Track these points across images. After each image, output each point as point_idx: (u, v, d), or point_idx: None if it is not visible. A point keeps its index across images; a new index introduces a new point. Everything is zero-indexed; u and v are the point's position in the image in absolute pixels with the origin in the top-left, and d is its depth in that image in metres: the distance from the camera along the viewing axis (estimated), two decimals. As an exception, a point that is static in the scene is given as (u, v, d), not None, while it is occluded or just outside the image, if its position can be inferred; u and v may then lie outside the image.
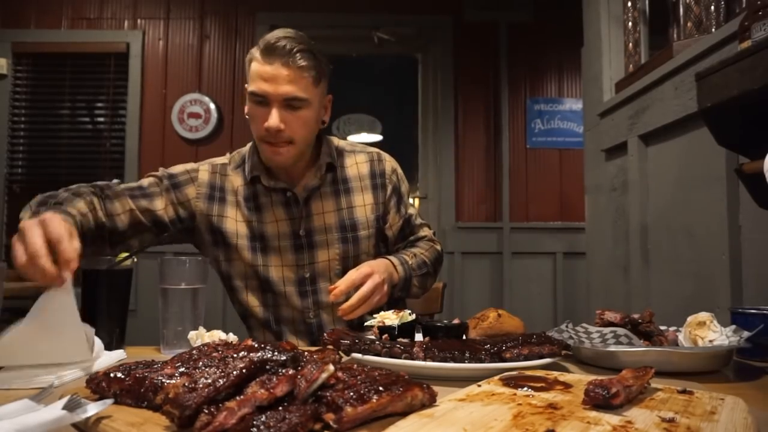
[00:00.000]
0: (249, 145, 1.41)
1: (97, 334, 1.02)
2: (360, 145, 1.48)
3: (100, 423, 0.55)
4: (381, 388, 0.54)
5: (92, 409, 0.55)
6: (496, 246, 3.74)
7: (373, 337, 0.90)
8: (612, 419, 0.52)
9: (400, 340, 0.88)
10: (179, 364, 0.61)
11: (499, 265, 3.77)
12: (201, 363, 0.60)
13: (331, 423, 0.51)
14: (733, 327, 0.91)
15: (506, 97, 3.90)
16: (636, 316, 0.97)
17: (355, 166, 1.42)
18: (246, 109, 1.31)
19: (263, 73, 1.21)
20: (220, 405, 0.50)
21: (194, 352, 0.66)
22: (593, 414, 0.54)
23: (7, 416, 0.54)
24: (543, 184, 3.82)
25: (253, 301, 1.36)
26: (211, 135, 3.83)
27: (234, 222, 1.33)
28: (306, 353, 0.63)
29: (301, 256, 1.34)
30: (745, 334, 0.86)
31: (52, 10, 3.90)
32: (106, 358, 0.89)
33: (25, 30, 3.88)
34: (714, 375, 0.83)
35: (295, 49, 1.21)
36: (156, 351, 1.03)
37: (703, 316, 0.91)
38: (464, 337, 0.94)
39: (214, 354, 0.64)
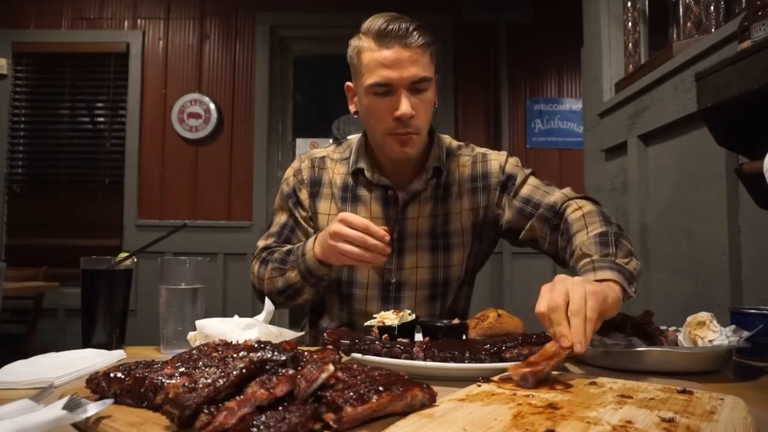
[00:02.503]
0: (357, 138, 1.35)
1: (97, 334, 1.03)
2: (470, 145, 1.36)
3: (100, 423, 0.55)
4: (381, 388, 0.54)
5: (92, 409, 0.55)
6: (496, 246, 3.74)
7: (373, 337, 0.90)
8: (612, 419, 0.52)
9: (400, 340, 0.88)
10: (179, 364, 0.61)
11: (499, 265, 3.77)
12: (201, 363, 0.60)
13: (331, 423, 0.51)
14: (733, 327, 0.91)
15: (506, 97, 3.90)
16: (636, 316, 0.97)
17: (457, 170, 1.30)
18: (357, 106, 1.24)
19: (383, 59, 1.14)
20: (220, 405, 0.50)
21: (194, 352, 0.66)
22: (593, 414, 0.54)
23: (7, 416, 0.54)
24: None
25: (329, 303, 1.32)
26: (211, 135, 3.84)
27: (326, 217, 1.30)
28: (306, 353, 0.63)
29: (390, 259, 1.23)
30: (745, 334, 0.86)
31: (52, 10, 3.90)
32: (106, 358, 0.89)
33: (25, 30, 3.89)
34: (714, 375, 0.83)
35: (411, 28, 1.14)
36: (156, 351, 1.03)
37: (703, 316, 0.91)
38: (464, 337, 0.94)
39: (214, 354, 0.64)
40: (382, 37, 1.14)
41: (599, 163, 2.36)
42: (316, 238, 1.16)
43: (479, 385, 0.66)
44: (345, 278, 1.28)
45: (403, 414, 0.55)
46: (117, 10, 3.93)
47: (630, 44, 2.15)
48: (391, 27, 1.14)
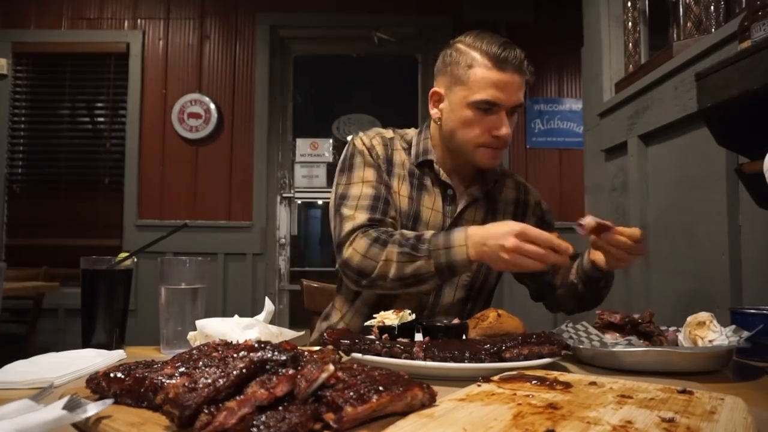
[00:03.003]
0: (415, 131, 1.41)
1: (97, 334, 1.03)
2: (513, 173, 1.51)
3: (100, 423, 0.55)
4: (381, 388, 0.54)
5: (92, 409, 0.55)
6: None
7: (373, 337, 0.90)
8: (612, 419, 0.52)
9: (400, 340, 0.88)
10: (179, 364, 0.61)
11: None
12: (201, 363, 0.60)
13: (331, 423, 0.51)
14: (733, 327, 0.91)
15: (506, 97, 3.90)
16: (636, 316, 0.97)
17: (506, 191, 1.43)
18: (443, 113, 1.30)
19: (498, 81, 1.21)
20: (220, 405, 0.50)
21: (194, 352, 0.66)
22: (593, 414, 0.54)
23: (7, 416, 0.54)
24: (543, 184, 3.82)
25: (360, 297, 1.34)
26: (212, 135, 3.83)
27: (398, 196, 1.32)
28: (306, 353, 0.63)
29: None
30: (745, 334, 0.86)
31: (52, 10, 3.90)
32: (106, 358, 0.89)
33: (25, 30, 3.89)
34: (714, 375, 0.83)
35: (523, 57, 1.23)
36: (156, 351, 1.03)
37: (703, 316, 0.91)
38: (464, 337, 0.94)
39: (214, 354, 0.64)
40: (500, 62, 1.20)
41: (599, 163, 2.35)
42: (468, 235, 1.14)
43: (479, 385, 0.66)
44: None
45: (403, 414, 0.55)
46: (117, 10, 3.93)
47: (630, 44, 2.15)
48: (508, 53, 1.21)
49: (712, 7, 1.69)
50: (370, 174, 1.30)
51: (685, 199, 1.73)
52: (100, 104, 4.00)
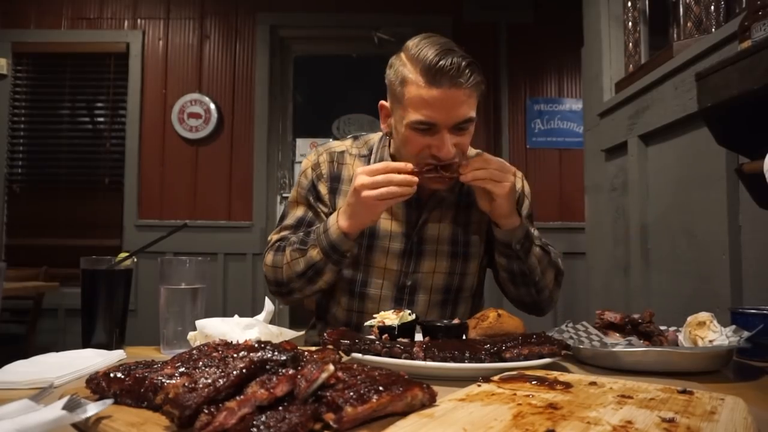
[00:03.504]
0: (377, 137, 1.34)
1: (97, 334, 1.03)
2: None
3: (100, 423, 0.55)
4: (381, 388, 0.54)
5: (92, 409, 0.55)
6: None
7: (373, 337, 0.90)
8: (612, 419, 0.52)
9: (400, 340, 0.88)
10: (179, 364, 0.61)
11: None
12: (201, 363, 0.60)
13: (331, 423, 0.51)
14: (733, 327, 0.90)
15: (506, 97, 3.90)
16: (636, 316, 0.97)
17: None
18: (391, 128, 1.21)
19: (430, 99, 1.07)
20: (220, 405, 0.50)
21: (194, 352, 0.66)
22: (593, 414, 0.54)
23: (7, 416, 0.54)
24: (543, 184, 3.82)
25: (340, 301, 1.29)
26: (211, 135, 3.84)
27: None
28: (306, 353, 0.63)
29: (408, 261, 1.25)
30: (745, 334, 0.86)
31: (52, 10, 3.90)
32: (106, 358, 0.89)
33: (25, 30, 3.89)
34: (714, 375, 0.83)
35: (463, 65, 1.07)
36: (156, 351, 1.03)
37: (703, 316, 0.91)
38: (464, 337, 0.94)
39: (214, 354, 0.64)
40: (432, 74, 1.06)
41: (599, 163, 2.36)
42: (338, 213, 1.16)
43: (479, 385, 0.66)
44: (360, 278, 1.26)
45: (403, 414, 0.55)
46: (117, 10, 3.93)
47: (630, 44, 2.15)
48: (442, 63, 1.05)
49: (712, 7, 1.69)
50: (302, 198, 1.32)
51: (685, 199, 1.73)
52: (100, 104, 4.00)
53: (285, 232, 1.30)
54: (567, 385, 0.65)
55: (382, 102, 1.24)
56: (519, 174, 1.33)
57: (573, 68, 3.84)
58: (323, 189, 1.30)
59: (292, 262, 1.20)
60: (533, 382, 0.66)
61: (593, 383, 0.66)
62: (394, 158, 1.26)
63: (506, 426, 0.50)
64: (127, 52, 3.87)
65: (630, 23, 2.15)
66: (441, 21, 3.91)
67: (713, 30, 1.65)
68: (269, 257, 1.26)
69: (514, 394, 0.61)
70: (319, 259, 1.17)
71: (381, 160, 1.26)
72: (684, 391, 0.62)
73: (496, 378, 0.69)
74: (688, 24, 1.75)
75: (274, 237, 1.31)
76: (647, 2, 2.12)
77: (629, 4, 2.15)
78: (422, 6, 3.93)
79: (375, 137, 1.35)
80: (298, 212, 1.32)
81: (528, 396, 0.60)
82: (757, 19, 1.05)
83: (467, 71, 1.07)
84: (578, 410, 0.55)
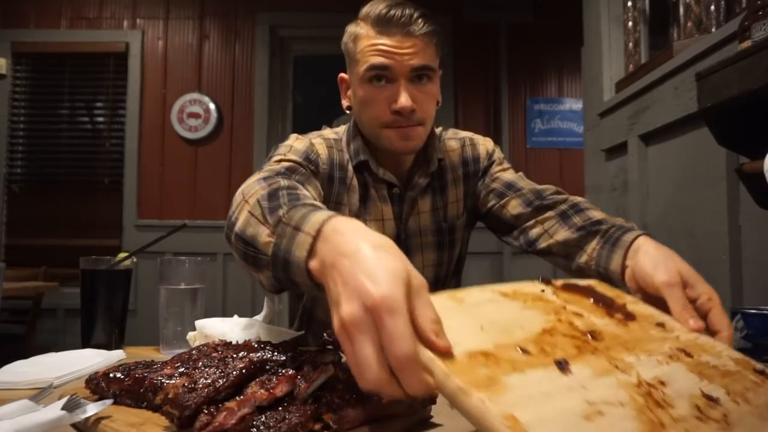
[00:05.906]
0: (344, 129, 1.20)
1: (96, 334, 1.03)
2: (449, 129, 1.28)
3: (100, 423, 0.55)
4: (381, 389, 0.54)
5: (92, 409, 0.55)
6: (496, 246, 3.74)
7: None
8: (647, 372, 0.44)
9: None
10: (179, 364, 0.61)
11: (499, 265, 3.76)
12: (201, 363, 0.60)
13: (331, 423, 0.51)
14: (733, 326, 0.90)
15: (506, 97, 3.90)
16: (636, 316, 0.97)
17: (448, 157, 1.21)
18: (350, 100, 1.12)
19: (382, 45, 1.02)
20: (220, 405, 0.49)
21: (194, 352, 0.66)
22: (630, 359, 0.45)
23: (7, 416, 0.54)
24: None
25: (327, 311, 1.10)
26: (211, 135, 3.84)
27: (348, 213, 1.12)
28: (306, 353, 0.63)
29: None
30: (745, 333, 0.86)
31: (52, 10, 3.90)
32: (106, 358, 0.89)
33: (25, 30, 3.88)
34: (714, 375, 0.83)
35: (415, 15, 1.04)
36: (156, 351, 1.02)
37: (704, 316, 0.91)
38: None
39: (214, 354, 0.63)
40: (383, 24, 1.03)
41: (599, 163, 2.36)
42: (323, 224, 0.58)
43: (543, 290, 0.56)
44: None
45: (404, 414, 0.55)
46: (116, 10, 3.93)
47: (630, 44, 2.15)
48: (393, 13, 1.02)
49: (712, 7, 1.69)
50: (299, 144, 1.10)
51: (685, 199, 1.73)
52: (99, 104, 4.00)
53: (284, 164, 1.01)
54: (629, 317, 0.55)
55: (342, 74, 1.15)
56: (489, 143, 1.26)
57: (573, 68, 3.84)
58: (322, 172, 1.11)
59: (248, 214, 0.72)
60: (594, 301, 0.57)
61: (661, 324, 0.57)
62: (358, 131, 1.15)
63: (525, 339, 0.44)
64: (127, 52, 3.87)
65: (630, 23, 2.15)
66: (441, 21, 3.89)
67: (713, 30, 1.65)
68: (250, 180, 0.84)
69: (564, 308, 0.53)
70: (264, 252, 0.66)
71: (356, 152, 1.15)
72: (762, 372, 0.51)
73: (558, 283, 0.60)
74: (688, 24, 1.75)
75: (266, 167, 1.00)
76: (647, 2, 2.12)
77: (629, 4, 2.15)
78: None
79: (342, 129, 1.23)
80: (298, 145, 1.09)
81: (577, 314, 0.52)
82: (757, 19, 1.05)
83: (420, 20, 1.04)
84: (617, 349, 0.47)
